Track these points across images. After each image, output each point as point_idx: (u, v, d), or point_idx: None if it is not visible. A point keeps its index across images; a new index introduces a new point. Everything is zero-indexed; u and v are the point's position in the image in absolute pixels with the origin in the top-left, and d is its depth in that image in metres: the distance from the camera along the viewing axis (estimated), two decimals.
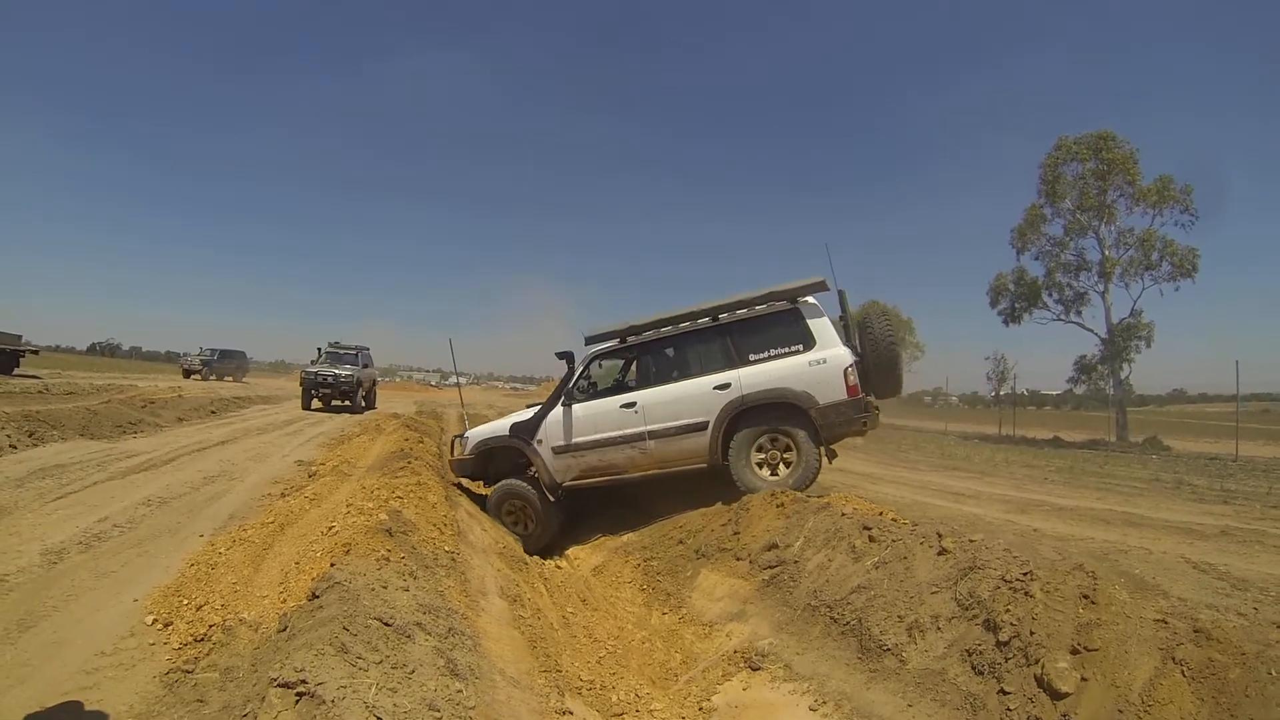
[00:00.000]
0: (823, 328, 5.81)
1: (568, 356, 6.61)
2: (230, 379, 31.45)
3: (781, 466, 5.83)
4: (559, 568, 5.88)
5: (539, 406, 6.65)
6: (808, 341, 5.78)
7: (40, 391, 12.62)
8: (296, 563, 3.87)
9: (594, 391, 6.56)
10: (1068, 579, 2.99)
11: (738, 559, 4.95)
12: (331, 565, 3.22)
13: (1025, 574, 3.14)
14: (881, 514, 4.81)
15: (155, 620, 3.44)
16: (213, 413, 14.62)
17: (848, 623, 3.67)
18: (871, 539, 4.16)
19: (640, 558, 5.67)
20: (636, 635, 4.48)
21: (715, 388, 5.88)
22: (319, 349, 19.57)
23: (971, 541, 3.65)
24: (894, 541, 3.99)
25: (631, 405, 6.12)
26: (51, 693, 2.77)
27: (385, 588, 2.95)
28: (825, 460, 6.18)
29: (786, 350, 5.81)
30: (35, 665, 2.98)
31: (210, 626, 3.33)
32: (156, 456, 8.21)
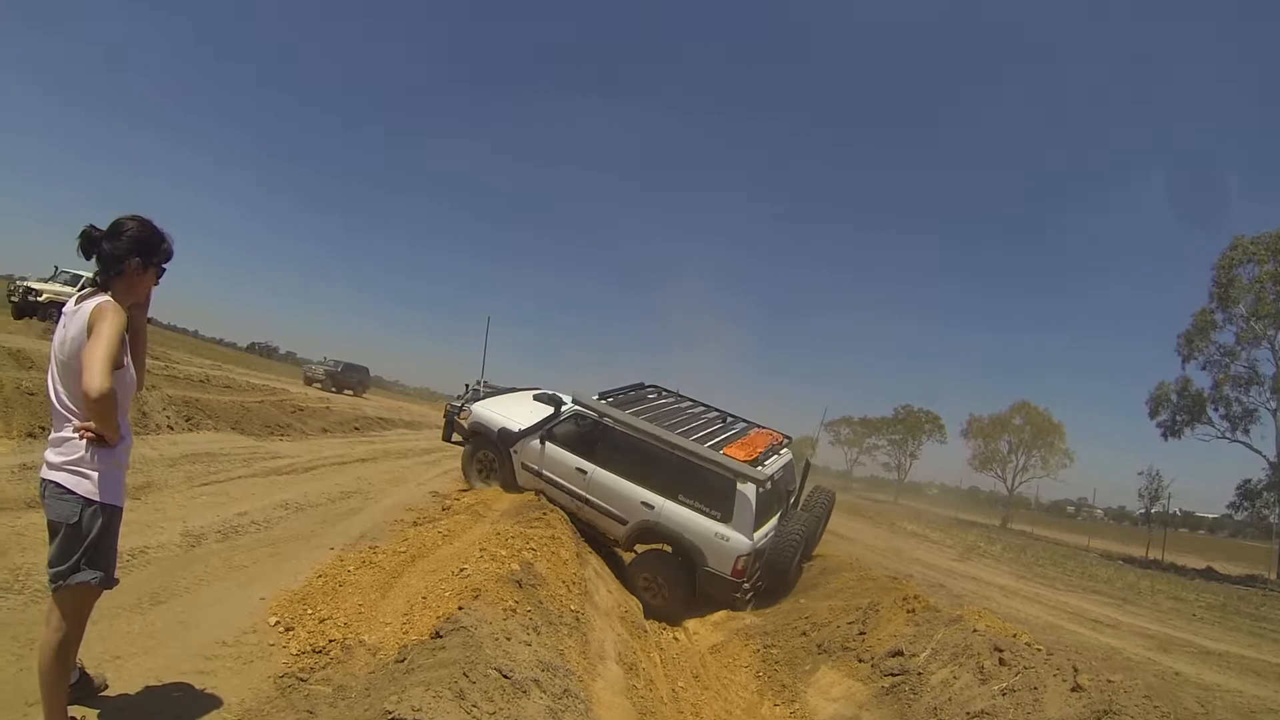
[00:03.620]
0: (744, 510, 6.20)
1: (555, 401, 7.56)
2: (350, 392, 32.05)
3: (661, 596, 6.34)
4: (676, 639, 5.67)
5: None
6: (726, 514, 6.21)
7: (201, 381, 13.79)
8: (423, 597, 3.83)
9: (566, 439, 7.17)
10: None
11: (860, 660, 4.72)
12: (459, 608, 3.17)
13: None
14: (1015, 635, 4.47)
15: (278, 622, 3.49)
16: (356, 429, 15.18)
17: None
18: (1002, 661, 3.85)
19: (761, 643, 5.42)
20: None
21: (642, 502, 6.49)
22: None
23: (1109, 681, 3.38)
24: (1025, 669, 3.70)
25: (584, 471, 6.84)
26: (170, 670, 2.83)
27: (508, 639, 2.86)
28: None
29: (707, 510, 6.26)
30: (161, 639, 3.07)
31: (330, 641, 3.32)
32: (299, 462, 8.64)
